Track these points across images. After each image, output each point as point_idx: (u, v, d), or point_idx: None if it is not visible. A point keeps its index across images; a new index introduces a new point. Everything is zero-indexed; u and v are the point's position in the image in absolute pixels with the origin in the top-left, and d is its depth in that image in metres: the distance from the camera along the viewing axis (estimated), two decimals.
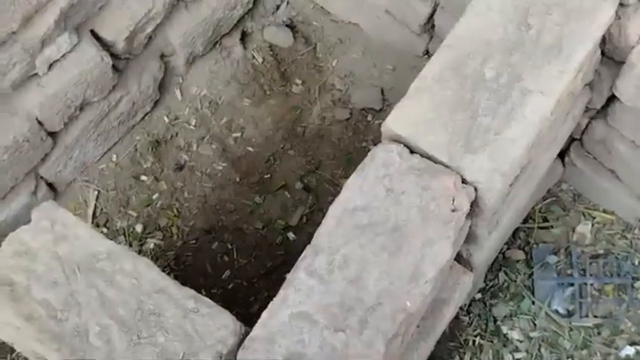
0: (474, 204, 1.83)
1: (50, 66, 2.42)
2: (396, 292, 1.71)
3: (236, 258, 2.70)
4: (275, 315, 1.71)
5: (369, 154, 1.84)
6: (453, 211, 1.76)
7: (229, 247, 2.72)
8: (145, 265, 1.79)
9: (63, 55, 2.43)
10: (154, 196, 2.79)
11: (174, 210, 2.77)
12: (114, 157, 2.82)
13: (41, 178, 2.64)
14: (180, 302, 1.75)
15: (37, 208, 1.87)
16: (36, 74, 2.41)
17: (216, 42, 2.93)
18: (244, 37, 3.00)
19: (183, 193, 2.80)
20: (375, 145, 2.67)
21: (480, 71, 1.86)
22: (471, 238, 2.03)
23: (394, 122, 1.84)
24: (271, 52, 3.01)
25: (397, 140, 1.84)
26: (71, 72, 2.46)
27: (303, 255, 1.78)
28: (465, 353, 2.52)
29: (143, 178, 2.81)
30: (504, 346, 2.51)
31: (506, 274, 2.58)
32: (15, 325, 1.73)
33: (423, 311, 1.88)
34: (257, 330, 1.71)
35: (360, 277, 1.72)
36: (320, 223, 2.47)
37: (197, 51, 2.85)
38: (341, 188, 2.61)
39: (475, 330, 2.54)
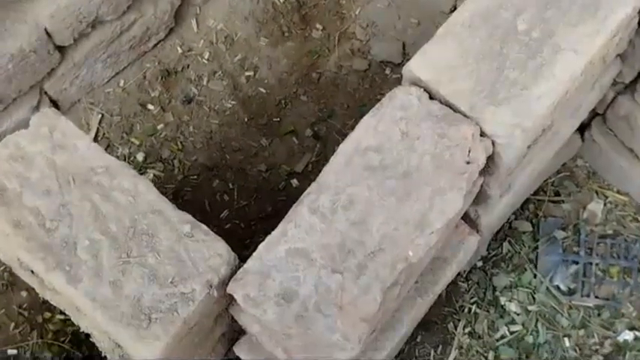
0: (490, 160, 1.75)
1: None
2: (400, 240, 1.64)
3: (236, 198, 2.63)
4: (272, 249, 1.65)
5: (387, 94, 1.76)
6: (468, 162, 1.68)
7: (230, 186, 2.65)
8: (145, 185, 1.72)
9: None
10: (159, 127, 2.71)
11: (178, 143, 2.69)
12: (122, 82, 2.74)
13: (45, 93, 2.56)
14: (176, 226, 1.68)
15: (37, 114, 1.80)
16: None
17: None
18: None
19: (189, 127, 2.72)
20: None
21: (512, 23, 1.77)
22: (481, 198, 1.95)
23: (417, 65, 1.76)
24: None
25: (418, 84, 1.76)
26: None
27: (307, 191, 1.72)
28: (459, 320, 2.45)
29: (150, 107, 2.73)
30: (500, 317, 2.44)
31: (510, 244, 2.51)
32: (2, 230, 1.66)
33: (425, 264, 1.81)
34: (251, 262, 1.64)
35: (364, 220, 1.65)
36: None
37: None
38: None
39: (472, 298, 2.48)
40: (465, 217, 2.05)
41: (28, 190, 1.69)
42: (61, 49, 2.48)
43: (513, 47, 1.75)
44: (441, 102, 1.73)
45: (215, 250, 1.66)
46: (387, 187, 1.66)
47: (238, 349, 1.89)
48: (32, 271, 1.67)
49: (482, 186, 1.88)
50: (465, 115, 1.71)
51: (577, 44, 1.74)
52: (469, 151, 1.68)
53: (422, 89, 1.74)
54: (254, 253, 1.65)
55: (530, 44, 1.75)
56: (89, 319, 1.63)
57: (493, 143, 1.72)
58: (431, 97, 1.75)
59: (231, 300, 1.69)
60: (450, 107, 1.72)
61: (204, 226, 1.71)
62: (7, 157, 1.73)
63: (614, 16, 1.77)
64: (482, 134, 1.71)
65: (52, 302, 1.79)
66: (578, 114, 2.12)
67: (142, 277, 1.61)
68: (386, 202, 1.66)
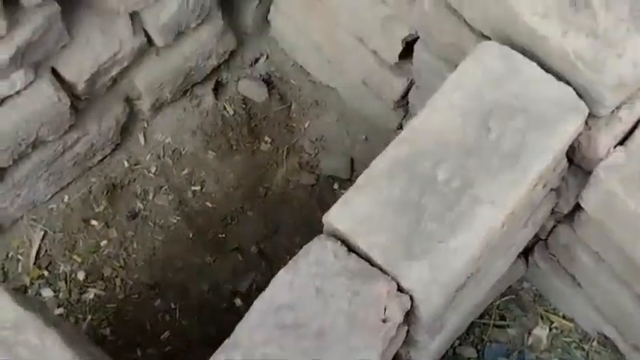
0: (411, 312, 1.71)
1: (2, 101, 2.32)
2: None
3: (178, 318, 2.58)
4: None
5: (303, 247, 1.73)
6: (384, 321, 1.64)
7: (172, 306, 2.60)
8: (52, 341, 1.67)
9: (17, 92, 2.33)
10: (102, 243, 2.67)
11: (121, 260, 2.65)
12: (65, 198, 2.71)
13: None
14: None
15: None
16: None
17: (187, 90, 2.83)
18: (218, 87, 2.91)
19: (133, 244, 2.69)
20: None
21: (432, 172, 1.75)
22: (410, 342, 1.91)
23: (336, 216, 1.73)
24: (244, 106, 2.91)
25: (337, 235, 1.73)
26: (24, 110, 2.36)
27: (220, 348, 1.67)
28: None
29: (93, 222, 2.70)
30: None
31: None
32: None
33: None
34: None
35: None
36: None
37: (165, 97, 2.76)
38: None
39: None
40: (397, 358, 2.00)
41: None
42: (0, 170, 2.46)
43: (432, 198, 1.73)
44: (359, 255, 1.70)
45: None
46: (301, 348, 1.62)
47: None
48: None
49: (408, 331, 1.84)
50: (381, 270, 1.67)
51: (496, 196, 1.72)
52: (385, 309, 1.64)
53: (339, 242, 1.71)
54: None
55: (449, 195, 1.72)
56: None
57: (411, 298, 1.68)
58: (350, 250, 1.71)
59: None
60: (368, 261, 1.69)
61: None
62: None
63: (534, 167, 1.74)
64: (400, 289, 1.67)
65: None
66: (511, 252, 2.09)
67: None
68: None
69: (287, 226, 2.73)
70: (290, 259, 2.66)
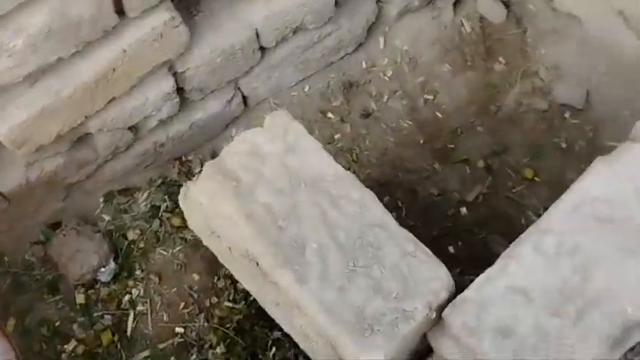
0: None
1: None
2: (620, 295, 1.64)
3: (404, 217, 2.67)
4: (491, 283, 1.68)
5: (621, 146, 1.77)
6: None
7: (399, 204, 2.69)
8: (370, 198, 1.78)
9: None
10: (336, 136, 2.78)
11: (354, 155, 2.75)
12: (306, 88, 2.82)
13: (239, 89, 2.65)
14: (400, 242, 1.73)
15: (272, 114, 1.89)
16: None
17: (430, 1, 2.88)
18: (457, 3, 2.95)
19: (365, 141, 2.78)
20: (569, 144, 2.60)
21: None
22: None
23: None
24: (480, 24, 2.95)
25: None
26: None
27: (530, 230, 1.74)
28: None
29: (330, 115, 2.80)
30: None
31: None
32: (234, 220, 1.74)
33: None
34: (469, 292, 1.67)
35: (586, 270, 1.66)
36: (494, 207, 2.42)
37: (412, 5, 2.81)
38: (522, 178, 2.57)
39: None
40: None
41: (262, 186, 1.77)
42: (262, 50, 2.57)
43: None
44: None
45: (435, 273, 1.70)
46: (615, 242, 1.67)
47: None
48: (257, 263, 1.74)
49: None
50: None
51: None
52: None
53: None
54: (473, 283, 1.68)
55: None
56: (309, 319, 1.68)
57: None
58: None
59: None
60: None
61: (425, 248, 1.75)
62: (243, 152, 1.81)
63: None
64: None
65: (254, 294, 1.86)
66: None
67: (366, 287, 1.66)
68: (612, 257, 1.66)
69: (515, 146, 2.77)
70: (516, 177, 2.73)
